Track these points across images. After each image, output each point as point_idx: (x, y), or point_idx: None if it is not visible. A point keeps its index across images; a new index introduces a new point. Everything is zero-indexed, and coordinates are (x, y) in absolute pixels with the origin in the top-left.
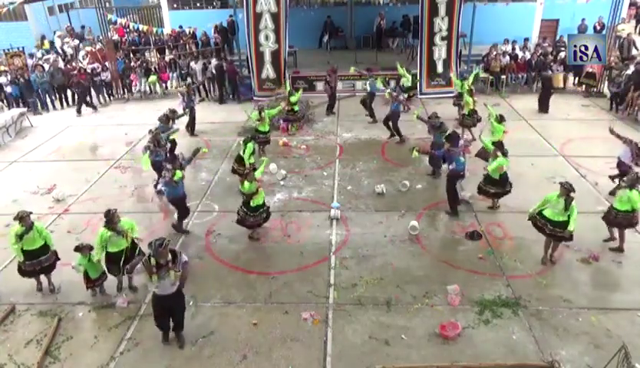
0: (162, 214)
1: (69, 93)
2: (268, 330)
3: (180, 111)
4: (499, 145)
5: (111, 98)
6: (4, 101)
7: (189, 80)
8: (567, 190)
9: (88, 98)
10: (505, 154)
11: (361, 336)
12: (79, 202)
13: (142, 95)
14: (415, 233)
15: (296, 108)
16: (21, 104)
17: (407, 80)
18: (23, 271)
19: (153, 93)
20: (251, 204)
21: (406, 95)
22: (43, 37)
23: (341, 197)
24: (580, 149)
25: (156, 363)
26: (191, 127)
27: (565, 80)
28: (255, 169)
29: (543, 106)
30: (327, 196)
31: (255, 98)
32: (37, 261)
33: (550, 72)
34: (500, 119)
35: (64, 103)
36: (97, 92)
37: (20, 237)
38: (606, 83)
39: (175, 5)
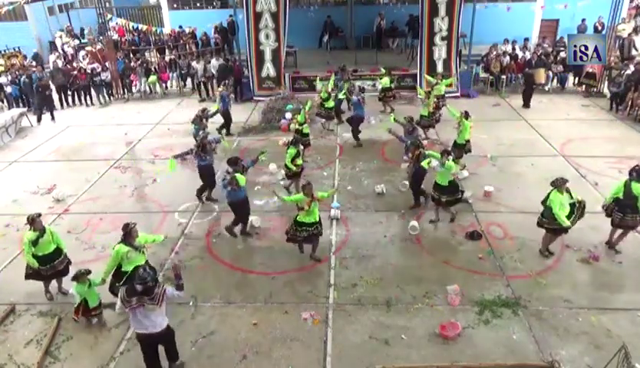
0: (162, 214)
1: (69, 93)
2: (268, 330)
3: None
4: (466, 144)
5: (111, 98)
6: (4, 101)
7: (188, 80)
8: (562, 182)
9: (78, 101)
10: (460, 157)
11: (361, 336)
12: (79, 202)
13: (142, 95)
14: (415, 233)
15: (330, 104)
16: (20, 104)
17: (385, 83)
18: (31, 275)
19: (153, 93)
20: (297, 218)
21: (363, 95)
22: (61, 31)
23: (341, 197)
24: (580, 149)
25: None
26: (226, 129)
27: (547, 76)
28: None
29: (526, 102)
30: None
31: (255, 97)
32: (52, 266)
33: (532, 69)
34: (466, 115)
35: (64, 103)
36: (97, 92)
37: (34, 243)
38: (606, 83)
39: (175, 5)
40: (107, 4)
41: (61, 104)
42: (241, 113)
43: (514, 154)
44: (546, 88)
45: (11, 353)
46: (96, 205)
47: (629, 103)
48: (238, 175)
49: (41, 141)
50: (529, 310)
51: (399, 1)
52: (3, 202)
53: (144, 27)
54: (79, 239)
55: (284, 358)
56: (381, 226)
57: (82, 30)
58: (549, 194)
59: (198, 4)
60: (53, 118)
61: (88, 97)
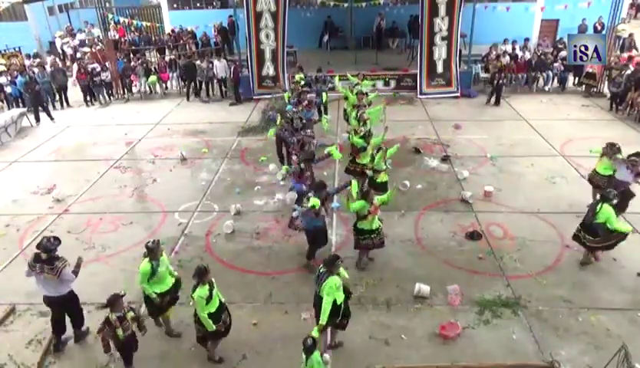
0: (162, 214)
1: (69, 93)
2: (268, 330)
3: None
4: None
5: (111, 98)
6: (4, 101)
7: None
8: (614, 196)
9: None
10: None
11: (361, 336)
12: (79, 202)
13: (142, 95)
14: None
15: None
16: (20, 104)
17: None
18: (153, 313)
19: (153, 93)
20: (357, 225)
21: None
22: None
23: (340, 197)
24: (580, 149)
25: (156, 362)
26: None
27: (545, 77)
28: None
29: (496, 99)
30: None
31: (254, 97)
32: (172, 299)
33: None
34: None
35: (64, 103)
36: (97, 92)
37: (151, 275)
38: (606, 83)
39: (175, 5)
40: (107, 4)
41: (61, 104)
42: (241, 113)
43: (514, 154)
44: (546, 88)
45: (11, 353)
46: (96, 205)
47: (629, 103)
48: (314, 199)
49: (41, 141)
50: (529, 310)
51: (399, 1)
52: (3, 202)
53: (147, 24)
54: (79, 239)
55: (284, 358)
56: None
57: (86, 22)
58: (597, 211)
59: (198, 5)
60: (51, 118)
61: (88, 97)
